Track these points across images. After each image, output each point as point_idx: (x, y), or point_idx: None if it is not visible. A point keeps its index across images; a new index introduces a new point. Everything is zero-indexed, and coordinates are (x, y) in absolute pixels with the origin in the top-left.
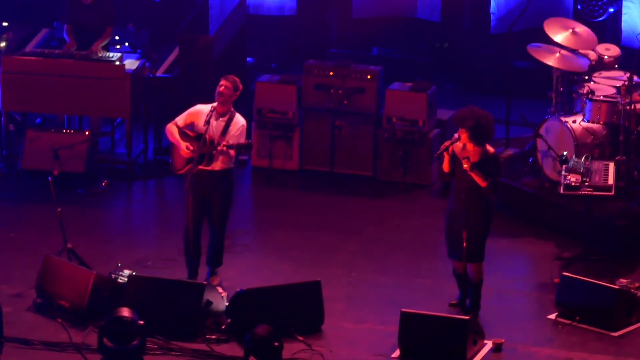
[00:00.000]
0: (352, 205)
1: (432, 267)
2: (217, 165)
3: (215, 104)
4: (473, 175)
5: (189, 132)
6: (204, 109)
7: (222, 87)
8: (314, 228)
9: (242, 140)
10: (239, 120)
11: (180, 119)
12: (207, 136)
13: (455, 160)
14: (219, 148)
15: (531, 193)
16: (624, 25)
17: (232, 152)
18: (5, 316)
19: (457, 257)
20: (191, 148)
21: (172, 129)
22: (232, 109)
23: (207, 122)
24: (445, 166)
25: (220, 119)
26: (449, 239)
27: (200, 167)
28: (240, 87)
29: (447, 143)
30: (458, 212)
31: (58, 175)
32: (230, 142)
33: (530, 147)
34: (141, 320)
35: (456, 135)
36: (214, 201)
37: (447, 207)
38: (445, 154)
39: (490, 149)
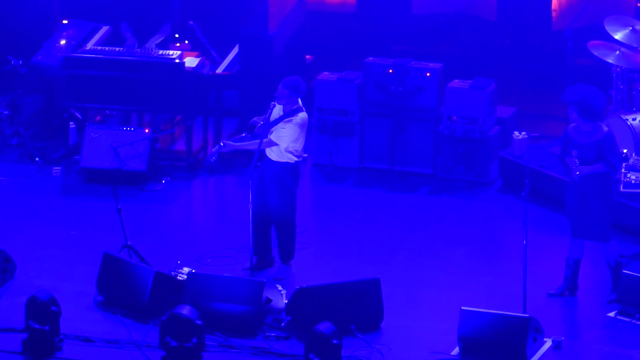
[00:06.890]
0: (412, 202)
1: (492, 265)
2: (272, 155)
3: None
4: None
5: None
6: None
7: (277, 91)
8: (374, 225)
9: (280, 132)
10: (292, 118)
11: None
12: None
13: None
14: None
15: None
16: None
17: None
18: (66, 313)
19: (579, 236)
20: None
21: None
22: (298, 109)
23: (268, 114)
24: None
25: (282, 112)
26: (572, 219)
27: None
28: (295, 85)
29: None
30: (577, 193)
31: (119, 173)
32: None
33: None
34: (201, 317)
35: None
36: (269, 193)
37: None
38: None
39: (603, 127)
